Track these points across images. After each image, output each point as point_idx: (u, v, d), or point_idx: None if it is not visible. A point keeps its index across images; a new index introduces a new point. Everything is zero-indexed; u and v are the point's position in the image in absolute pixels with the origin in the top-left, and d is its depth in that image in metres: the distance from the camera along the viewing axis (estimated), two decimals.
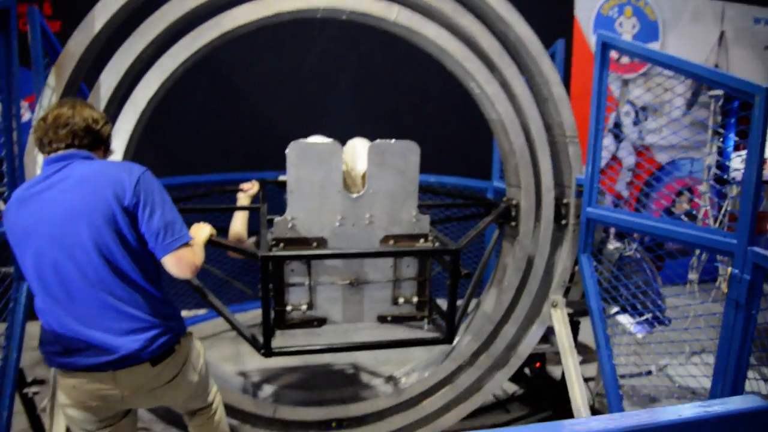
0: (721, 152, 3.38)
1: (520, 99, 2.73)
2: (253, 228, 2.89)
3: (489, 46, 2.65)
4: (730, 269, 2.09)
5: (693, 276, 3.90)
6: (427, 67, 4.78)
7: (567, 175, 2.88)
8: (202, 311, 4.51)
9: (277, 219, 2.00)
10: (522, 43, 2.70)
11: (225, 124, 4.50)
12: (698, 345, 3.70)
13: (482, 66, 2.68)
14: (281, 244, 2.02)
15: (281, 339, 2.37)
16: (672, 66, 2.51)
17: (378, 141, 2.00)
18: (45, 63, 2.59)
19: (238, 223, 2.80)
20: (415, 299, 2.18)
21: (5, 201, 2.18)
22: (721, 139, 3.41)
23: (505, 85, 2.74)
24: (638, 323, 2.57)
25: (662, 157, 5.67)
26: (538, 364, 3.38)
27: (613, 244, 2.85)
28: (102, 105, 2.28)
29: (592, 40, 5.40)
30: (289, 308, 2.06)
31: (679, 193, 5.82)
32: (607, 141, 5.53)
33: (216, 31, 2.35)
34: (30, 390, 2.82)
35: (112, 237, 1.67)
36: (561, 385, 3.26)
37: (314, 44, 4.78)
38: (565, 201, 2.88)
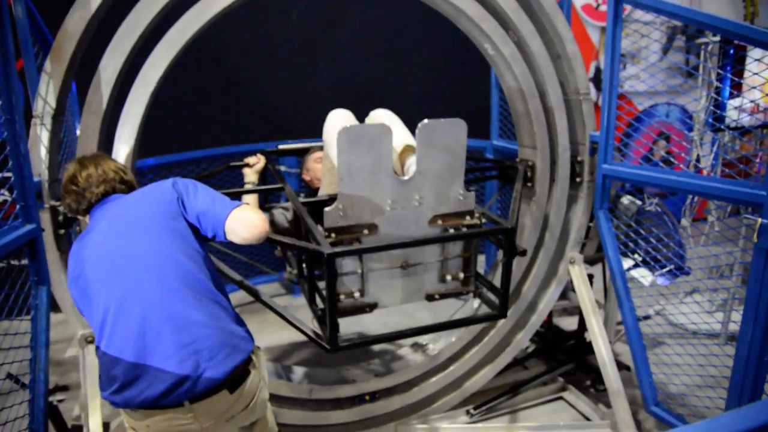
0: (715, 100, 3.41)
1: (536, 57, 2.68)
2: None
3: (504, 3, 2.57)
4: (760, 220, 2.14)
5: (686, 222, 4.02)
6: (417, 26, 4.68)
7: (581, 132, 2.88)
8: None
9: (327, 209, 1.92)
10: (536, 0, 2.63)
11: (215, 97, 4.28)
12: (688, 286, 3.88)
13: (498, 26, 2.60)
14: (333, 234, 1.94)
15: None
16: (692, 20, 2.49)
17: (427, 121, 1.91)
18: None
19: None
20: (461, 275, 2.16)
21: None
22: (714, 87, 3.45)
23: (520, 45, 2.68)
24: (661, 275, 2.64)
25: (641, 105, 5.76)
26: (546, 318, 3.47)
27: (627, 199, 2.89)
28: (108, 89, 2.11)
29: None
30: (342, 297, 2.01)
31: (659, 138, 5.94)
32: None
33: (225, 1, 2.18)
34: (55, 398, 2.70)
35: (174, 242, 1.63)
36: (575, 337, 3.38)
37: (300, 7, 4.56)
38: (579, 158, 2.89)
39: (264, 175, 2.77)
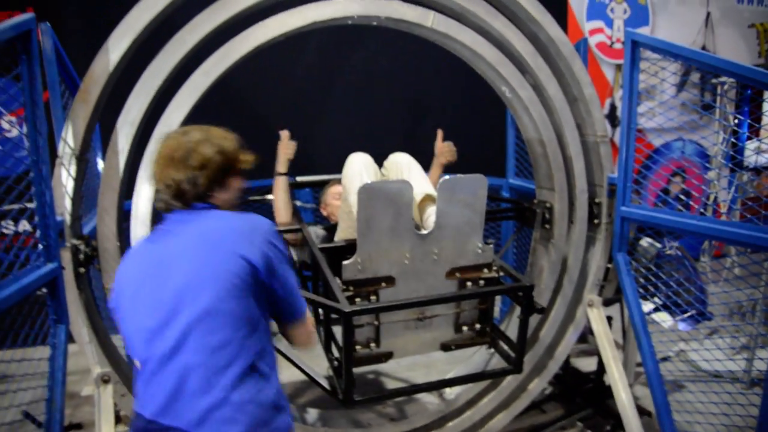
0: (733, 142, 3.41)
1: (553, 101, 2.69)
2: None
3: (522, 48, 2.60)
4: None
5: (705, 259, 3.98)
6: (433, 63, 4.73)
7: (598, 174, 2.87)
8: None
9: (346, 262, 1.92)
10: (553, 44, 2.66)
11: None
12: (707, 330, 3.80)
13: (515, 70, 2.63)
14: (351, 288, 1.94)
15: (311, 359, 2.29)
16: (709, 65, 2.51)
17: (448, 177, 1.93)
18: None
19: (284, 199, 2.68)
20: (477, 326, 2.14)
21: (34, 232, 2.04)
22: (733, 127, 3.44)
23: (537, 88, 2.70)
24: (682, 320, 2.59)
25: (658, 141, 5.75)
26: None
27: (646, 241, 2.86)
28: (132, 129, 2.15)
29: (586, 26, 5.41)
30: (357, 348, 1.99)
31: (674, 174, 5.92)
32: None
33: (250, 44, 2.23)
34: None
35: (236, 302, 1.36)
36: (594, 380, 3.31)
37: (312, 45, 4.65)
38: (597, 200, 2.87)
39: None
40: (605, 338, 2.85)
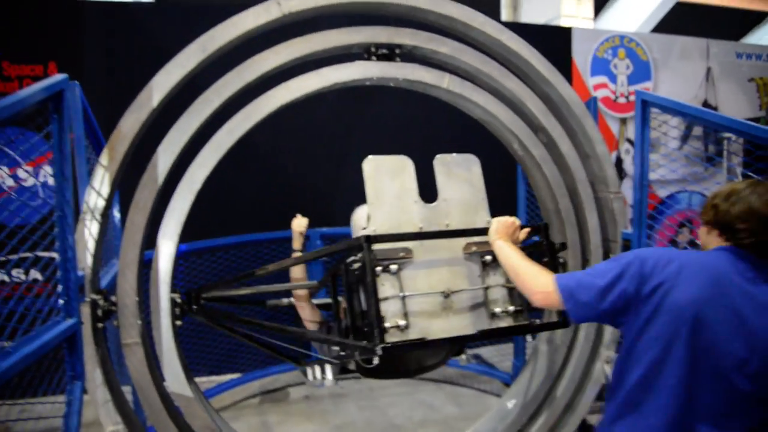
0: None
1: (566, 158, 2.74)
2: None
3: (535, 107, 2.67)
4: None
5: None
6: (444, 118, 4.84)
7: (612, 229, 2.89)
8: (222, 378, 4.32)
9: (361, 232, 2.03)
10: (565, 103, 2.73)
11: (249, 184, 4.40)
12: None
13: (527, 129, 2.69)
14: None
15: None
16: (709, 122, 2.58)
17: (440, 154, 2.22)
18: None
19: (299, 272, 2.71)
20: (510, 308, 2.19)
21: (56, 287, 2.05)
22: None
23: (549, 146, 2.75)
24: None
25: (662, 192, 5.82)
26: None
27: None
28: (156, 186, 2.18)
29: (591, 82, 5.56)
30: (387, 324, 1.99)
31: (681, 225, 5.95)
32: None
33: (273, 104, 2.29)
34: None
35: None
36: None
37: (330, 99, 4.77)
38: (611, 256, 2.88)
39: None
40: None
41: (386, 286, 2.07)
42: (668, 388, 1.45)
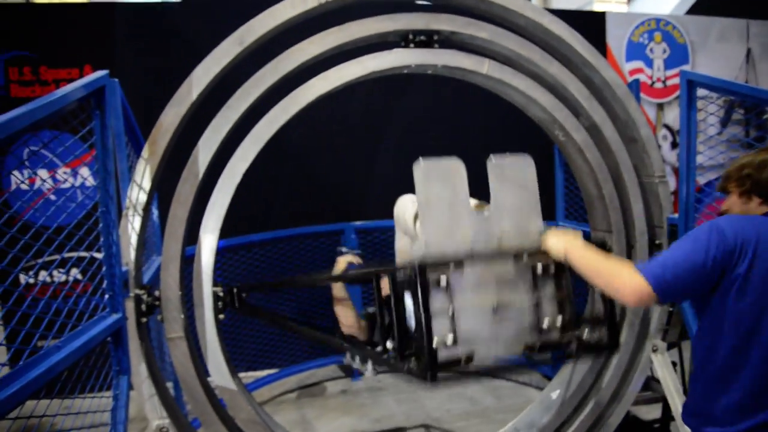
0: None
1: (609, 143, 2.66)
2: None
3: (577, 91, 2.59)
4: None
5: None
6: (476, 108, 4.78)
7: (657, 215, 2.80)
8: (260, 373, 4.33)
9: (414, 248, 1.96)
10: (608, 87, 2.64)
11: (283, 179, 4.41)
12: None
13: (569, 113, 2.62)
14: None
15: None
16: (760, 99, 2.48)
17: (494, 156, 2.09)
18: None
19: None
20: (559, 321, 2.08)
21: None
22: None
23: (591, 130, 2.67)
24: None
25: (701, 179, 5.63)
26: None
27: None
28: (197, 181, 2.18)
29: (626, 67, 5.41)
30: (434, 342, 1.94)
31: (721, 213, 5.77)
32: None
33: (312, 93, 2.27)
34: None
35: None
36: (658, 429, 3.15)
37: (360, 93, 4.74)
38: (657, 242, 2.79)
39: None
40: (671, 384, 2.73)
41: (435, 301, 1.98)
42: (758, 358, 1.51)
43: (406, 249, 2.48)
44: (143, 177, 2.16)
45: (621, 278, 1.64)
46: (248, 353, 4.17)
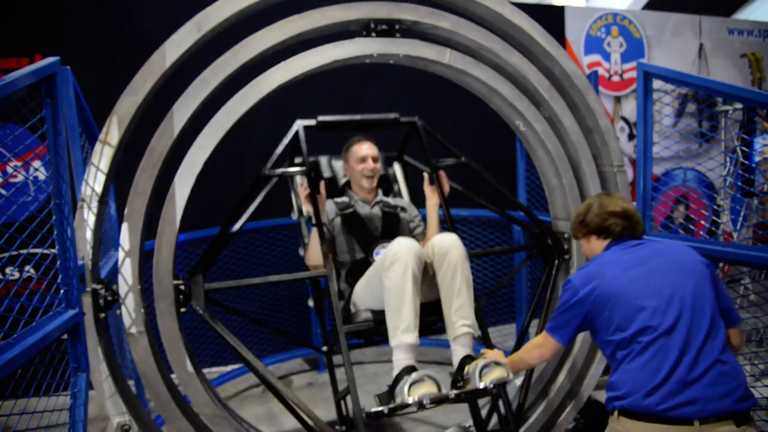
0: (743, 165, 3.43)
1: (568, 133, 2.71)
2: None
3: (537, 82, 2.63)
4: None
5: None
6: (438, 99, 4.78)
7: None
8: (225, 369, 4.27)
9: None
10: (568, 78, 2.69)
11: (241, 172, 4.32)
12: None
13: (530, 104, 2.66)
14: None
15: None
16: (714, 90, 2.56)
17: None
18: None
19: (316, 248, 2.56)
20: None
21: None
22: (742, 152, 3.46)
23: (551, 121, 2.72)
24: None
25: (657, 169, 5.81)
26: None
27: None
28: (155, 171, 2.13)
29: (585, 60, 5.52)
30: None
31: (677, 202, 5.96)
32: None
33: (272, 83, 2.24)
34: None
35: (712, 294, 1.79)
36: None
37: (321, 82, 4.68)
38: None
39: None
40: None
41: None
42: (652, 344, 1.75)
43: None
44: (97, 169, 2.09)
45: (542, 348, 2.06)
46: (212, 348, 4.10)
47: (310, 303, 2.83)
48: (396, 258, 2.23)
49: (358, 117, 2.86)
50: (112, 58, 4.08)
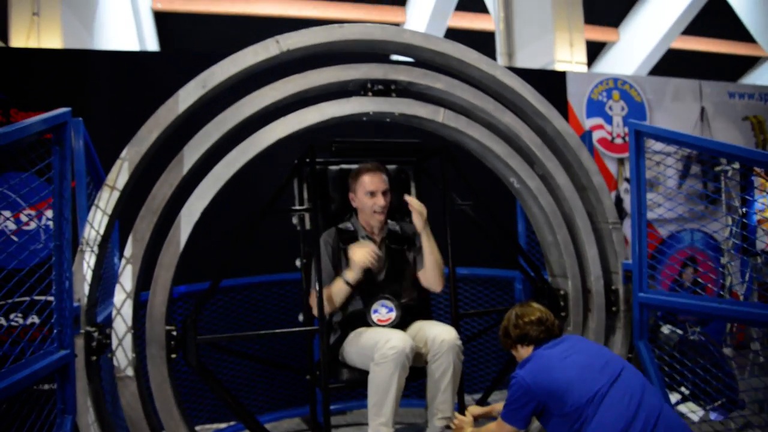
0: (743, 225, 3.44)
1: (562, 190, 2.76)
2: None
3: (530, 140, 2.70)
4: None
5: (727, 350, 3.86)
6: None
7: (613, 261, 2.88)
8: (221, 425, 4.19)
9: None
10: (560, 136, 2.77)
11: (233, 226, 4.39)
12: (741, 420, 3.61)
13: (523, 162, 2.73)
14: None
15: None
16: (705, 148, 2.60)
17: None
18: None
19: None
20: None
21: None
22: (742, 211, 3.48)
23: (545, 178, 2.78)
24: (713, 409, 2.49)
25: (662, 231, 5.80)
26: None
27: (667, 328, 2.81)
28: (155, 218, 2.20)
29: (587, 123, 5.64)
30: None
31: (684, 264, 5.90)
32: None
33: (271, 137, 2.34)
34: None
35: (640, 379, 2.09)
36: None
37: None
38: (613, 287, 2.86)
39: None
40: None
41: None
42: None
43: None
44: (105, 203, 2.16)
45: None
46: (209, 403, 4.04)
47: (297, 263, 2.83)
48: (386, 359, 2.31)
49: (378, 140, 2.93)
50: (131, 115, 4.25)
